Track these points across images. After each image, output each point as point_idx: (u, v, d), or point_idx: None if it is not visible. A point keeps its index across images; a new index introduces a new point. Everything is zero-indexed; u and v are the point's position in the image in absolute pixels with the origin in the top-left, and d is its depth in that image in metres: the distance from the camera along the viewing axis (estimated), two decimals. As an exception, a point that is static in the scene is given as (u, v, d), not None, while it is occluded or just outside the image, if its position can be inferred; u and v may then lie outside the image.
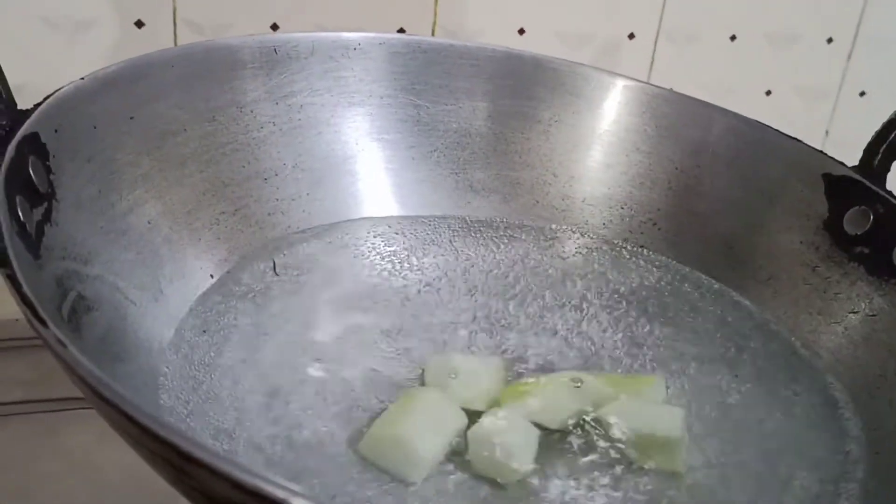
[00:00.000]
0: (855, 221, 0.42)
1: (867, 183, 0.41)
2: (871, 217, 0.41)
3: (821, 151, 0.44)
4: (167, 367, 0.36)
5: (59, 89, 0.35)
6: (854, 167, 0.43)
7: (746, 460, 0.37)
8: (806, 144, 0.45)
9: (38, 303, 0.24)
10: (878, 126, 0.43)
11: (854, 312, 0.40)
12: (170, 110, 0.41)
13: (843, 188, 0.42)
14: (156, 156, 0.40)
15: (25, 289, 0.24)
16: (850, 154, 0.44)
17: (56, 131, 0.34)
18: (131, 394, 0.29)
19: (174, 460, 0.21)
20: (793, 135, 0.79)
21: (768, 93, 0.81)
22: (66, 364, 0.22)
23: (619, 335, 0.44)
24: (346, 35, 0.47)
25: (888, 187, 0.42)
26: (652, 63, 0.76)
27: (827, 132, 0.85)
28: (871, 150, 0.42)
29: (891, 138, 0.41)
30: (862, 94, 0.84)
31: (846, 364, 0.40)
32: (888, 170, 0.42)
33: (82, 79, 0.37)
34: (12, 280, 0.24)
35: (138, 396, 0.31)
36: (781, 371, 0.41)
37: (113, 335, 0.33)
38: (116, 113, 0.38)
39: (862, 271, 0.41)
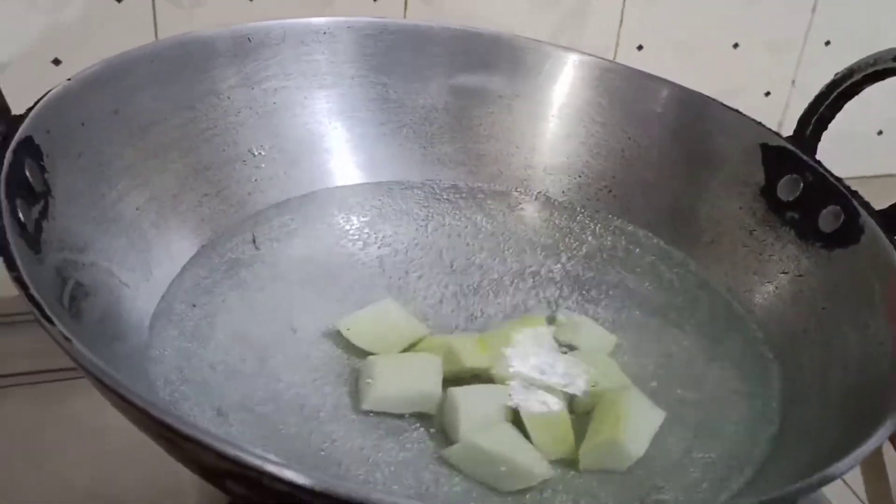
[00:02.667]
0: (787, 188, 0.45)
1: (798, 153, 0.45)
2: (802, 185, 0.44)
3: (759, 122, 0.47)
4: (161, 341, 0.39)
5: (49, 91, 0.38)
6: (788, 137, 0.46)
7: (681, 406, 0.41)
8: (746, 116, 0.48)
9: (44, 301, 0.27)
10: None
11: (784, 273, 0.44)
12: (151, 102, 0.44)
13: (777, 157, 0.46)
14: (140, 146, 0.43)
15: (32, 290, 0.27)
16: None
17: (48, 132, 0.37)
18: (129, 372, 0.34)
19: (168, 436, 0.25)
20: (761, 85, 0.82)
21: (736, 45, 0.84)
22: (71, 356, 0.26)
23: (575, 294, 0.48)
24: (315, 20, 0.50)
25: (818, 157, 0.46)
26: (621, 21, 0.78)
27: (793, 81, 0.87)
28: (803, 122, 0.46)
29: (821, 110, 0.45)
30: (827, 43, 0.86)
31: (775, 321, 0.44)
32: (819, 140, 0.46)
33: (69, 80, 0.40)
34: (19, 282, 0.28)
35: (135, 373, 0.35)
36: (719, 327, 0.45)
37: (110, 317, 0.37)
38: (102, 109, 0.41)
39: (792, 235, 0.44)
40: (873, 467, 0.50)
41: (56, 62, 0.56)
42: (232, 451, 0.24)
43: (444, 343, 0.42)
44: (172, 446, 0.26)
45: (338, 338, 0.42)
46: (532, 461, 0.36)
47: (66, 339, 0.26)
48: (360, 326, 0.42)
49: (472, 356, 0.41)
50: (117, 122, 0.42)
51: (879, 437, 0.29)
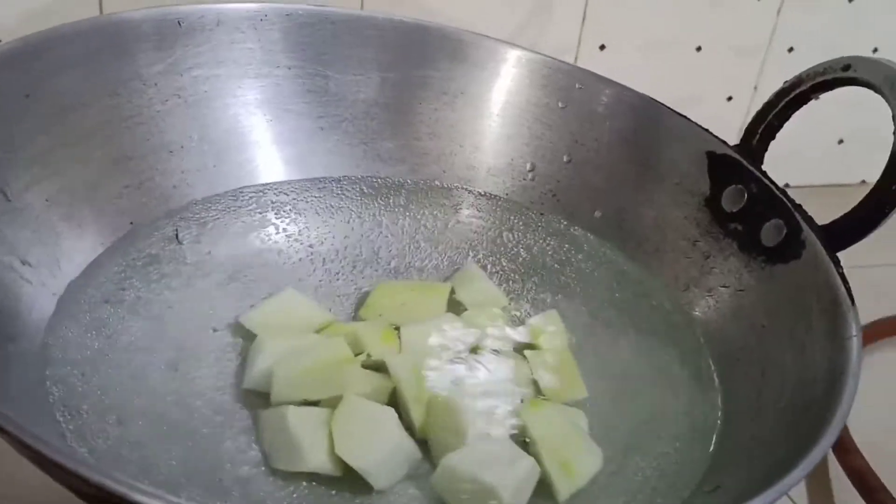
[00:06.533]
0: (732, 199, 0.44)
1: (744, 162, 0.43)
2: (746, 195, 0.43)
3: (706, 130, 0.46)
4: (64, 341, 0.37)
5: (-52, 72, 0.36)
6: (735, 146, 0.45)
7: (613, 420, 0.39)
8: (694, 122, 0.47)
9: None
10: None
11: (725, 287, 0.43)
12: (69, 86, 0.41)
13: (723, 166, 0.44)
14: (54, 132, 0.40)
15: None
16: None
17: (-55, 115, 0.35)
18: (22, 375, 0.32)
19: (32, 457, 0.23)
20: (724, 90, 0.81)
21: (699, 48, 0.83)
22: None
23: (512, 296, 0.46)
24: (252, 6, 0.47)
25: (774, 165, 0.44)
26: (583, 20, 0.77)
27: (756, 87, 0.86)
28: (750, 130, 0.44)
29: (768, 119, 0.43)
30: (790, 49, 0.86)
31: (715, 336, 0.42)
32: (766, 149, 0.44)
33: (-28, 60, 0.37)
34: None
35: (29, 376, 0.33)
36: (659, 340, 0.44)
37: (6, 315, 0.34)
38: (11, 92, 0.38)
39: (735, 248, 0.43)
40: (818, 483, 0.49)
41: (-8, 42, 0.54)
42: (96, 478, 0.22)
43: (350, 330, 0.40)
44: (41, 467, 0.24)
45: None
46: (311, 449, 0.35)
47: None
48: (263, 317, 0.41)
49: (375, 344, 0.40)
50: (28, 106, 0.39)
51: (792, 478, 0.27)
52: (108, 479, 0.22)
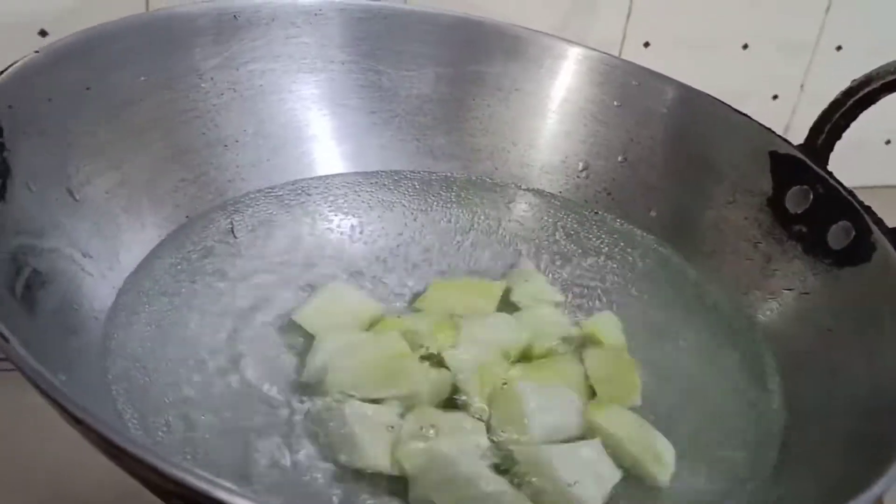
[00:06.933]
0: (796, 200, 0.43)
1: (809, 162, 0.42)
2: (811, 196, 0.42)
3: (768, 129, 0.45)
4: (124, 333, 0.37)
5: (13, 64, 0.36)
6: (799, 146, 0.44)
7: (673, 425, 0.39)
8: (755, 121, 0.46)
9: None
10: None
11: (789, 290, 0.42)
12: (127, 80, 0.41)
13: (787, 166, 0.43)
14: (113, 125, 0.40)
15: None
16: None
17: (10, 107, 0.35)
18: (84, 367, 0.32)
19: (108, 450, 0.23)
20: (770, 88, 0.80)
21: (745, 46, 0.81)
22: (9, 357, 0.24)
23: (567, 297, 0.46)
24: (307, 1, 0.47)
25: (830, 167, 0.43)
26: (629, 16, 0.76)
27: (802, 86, 0.85)
28: (815, 130, 0.43)
29: (835, 119, 0.42)
30: (839, 48, 0.84)
31: (778, 340, 0.41)
32: (831, 149, 0.43)
33: (37, 52, 0.37)
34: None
35: (91, 368, 0.33)
36: (720, 343, 0.43)
37: (68, 307, 0.34)
38: (72, 85, 0.38)
39: (799, 250, 0.42)
40: None
41: (43, 34, 0.54)
42: (178, 474, 0.21)
43: (406, 324, 0.40)
44: (116, 460, 0.23)
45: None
46: (370, 446, 0.34)
47: (3, 338, 0.23)
48: (316, 312, 0.40)
49: (432, 339, 0.39)
50: (89, 99, 0.39)
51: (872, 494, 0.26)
52: (190, 475, 0.21)
